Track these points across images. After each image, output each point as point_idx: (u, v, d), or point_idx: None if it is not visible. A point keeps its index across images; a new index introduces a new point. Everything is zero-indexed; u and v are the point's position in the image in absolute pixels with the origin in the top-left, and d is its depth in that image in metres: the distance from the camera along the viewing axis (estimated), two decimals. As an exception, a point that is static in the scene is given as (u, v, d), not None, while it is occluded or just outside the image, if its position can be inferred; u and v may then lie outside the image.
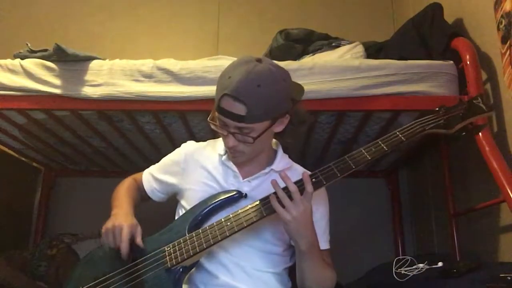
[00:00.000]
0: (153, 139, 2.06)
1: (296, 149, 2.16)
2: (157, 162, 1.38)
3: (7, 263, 1.97)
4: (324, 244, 1.21)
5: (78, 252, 2.18)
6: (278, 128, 1.18)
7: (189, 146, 1.33)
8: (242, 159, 1.20)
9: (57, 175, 2.64)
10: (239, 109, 1.07)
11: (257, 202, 1.09)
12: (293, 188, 1.03)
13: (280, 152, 1.29)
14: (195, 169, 1.27)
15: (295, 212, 1.02)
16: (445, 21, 1.76)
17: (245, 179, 1.22)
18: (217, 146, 1.29)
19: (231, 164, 1.23)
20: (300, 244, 1.07)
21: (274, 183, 1.05)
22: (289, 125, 1.20)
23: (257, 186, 1.21)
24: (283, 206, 1.03)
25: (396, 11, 2.77)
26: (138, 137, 2.02)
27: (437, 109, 1.19)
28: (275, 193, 1.05)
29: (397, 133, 1.13)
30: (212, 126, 1.17)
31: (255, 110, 1.07)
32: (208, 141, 1.35)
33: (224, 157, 1.24)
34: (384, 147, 1.11)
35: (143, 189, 1.37)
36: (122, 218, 1.16)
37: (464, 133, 1.18)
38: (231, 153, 1.19)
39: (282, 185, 1.05)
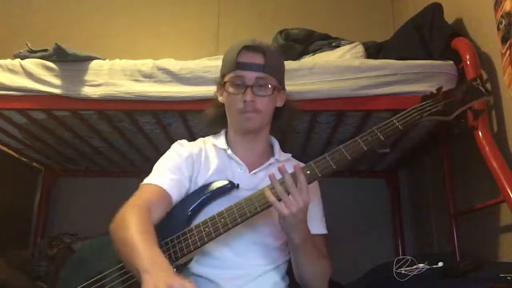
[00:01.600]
0: (153, 139, 2.06)
1: (292, 145, 2.16)
2: (156, 162, 1.31)
3: (7, 263, 1.97)
4: (323, 229, 1.23)
5: (78, 252, 2.18)
6: (279, 102, 1.25)
7: (189, 144, 1.29)
8: (255, 122, 1.19)
9: (57, 175, 2.64)
10: (258, 58, 1.17)
11: (251, 197, 1.07)
12: (289, 182, 1.02)
13: (277, 144, 1.31)
14: (205, 165, 1.23)
15: (294, 208, 1.01)
16: (445, 21, 1.76)
17: (251, 172, 1.22)
18: (218, 141, 1.28)
19: (236, 157, 1.23)
20: (295, 238, 1.07)
21: (272, 176, 1.03)
22: (284, 111, 1.27)
23: (263, 178, 1.20)
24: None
25: (396, 11, 2.77)
26: (138, 137, 2.02)
27: (435, 91, 1.15)
28: (270, 186, 1.03)
29: (394, 120, 1.10)
30: (228, 89, 1.19)
31: (271, 61, 1.18)
32: (199, 139, 1.32)
33: (229, 151, 1.24)
34: (381, 136, 1.08)
35: (164, 201, 1.13)
36: (163, 275, 0.85)
37: (463, 120, 1.15)
38: (247, 112, 1.17)
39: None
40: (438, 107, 1.12)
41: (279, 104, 1.26)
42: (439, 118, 1.13)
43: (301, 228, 1.06)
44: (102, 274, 1.09)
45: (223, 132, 1.31)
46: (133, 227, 0.97)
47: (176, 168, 1.19)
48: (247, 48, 1.18)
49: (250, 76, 1.16)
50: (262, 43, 1.22)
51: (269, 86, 1.18)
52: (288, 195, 1.02)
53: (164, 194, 1.12)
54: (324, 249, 1.22)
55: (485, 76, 1.61)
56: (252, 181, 1.20)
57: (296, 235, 1.06)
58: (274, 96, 1.22)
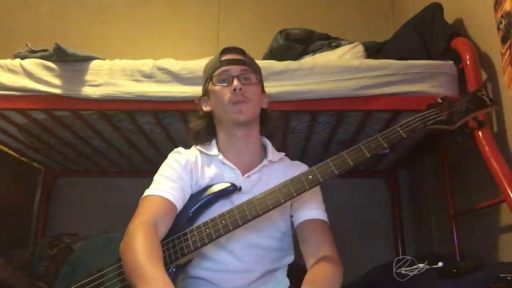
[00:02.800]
0: (153, 139, 2.06)
1: (293, 145, 2.16)
2: (157, 162, 1.32)
3: (7, 263, 1.97)
4: (326, 218, 1.22)
5: (78, 252, 2.18)
6: (264, 102, 1.29)
7: (186, 152, 1.28)
8: (247, 113, 1.20)
9: (57, 175, 2.63)
10: (240, 56, 1.25)
11: (252, 200, 1.08)
12: None
13: (270, 144, 1.31)
14: (201, 173, 1.23)
15: None
16: (445, 21, 1.76)
17: (244, 175, 1.22)
18: (209, 149, 1.27)
19: (228, 162, 1.23)
20: None
21: None
22: (268, 112, 1.30)
23: (258, 181, 1.21)
24: None
25: (396, 11, 2.77)
26: (138, 137, 2.02)
27: (440, 101, 1.15)
28: None
29: (398, 128, 1.10)
30: (216, 82, 1.23)
31: (251, 60, 1.27)
32: (193, 147, 1.31)
33: (220, 156, 1.24)
34: (384, 144, 1.08)
35: (168, 214, 1.12)
36: None
37: (467, 129, 1.16)
38: (237, 103, 1.19)
39: None
40: (442, 116, 1.12)
41: (264, 105, 1.29)
42: (442, 127, 1.13)
43: None
44: (102, 272, 1.10)
45: (213, 140, 1.29)
46: (138, 246, 0.98)
47: (176, 177, 1.18)
48: (228, 49, 1.26)
49: (235, 68, 1.22)
50: (239, 47, 1.29)
51: (254, 76, 1.25)
52: None
53: (168, 205, 1.12)
54: (331, 234, 1.21)
55: (485, 76, 1.61)
56: (247, 184, 1.20)
57: None
58: (260, 88, 1.27)
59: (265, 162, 1.24)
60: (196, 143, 1.30)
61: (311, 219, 1.19)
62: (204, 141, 1.29)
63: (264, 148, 1.31)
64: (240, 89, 1.18)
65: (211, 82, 1.24)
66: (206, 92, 1.28)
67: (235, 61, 1.24)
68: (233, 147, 1.25)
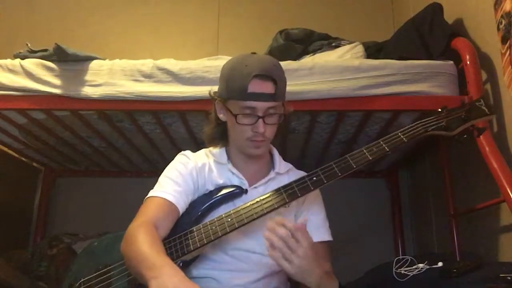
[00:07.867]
0: (153, 139, 2.06)
1: (292, 146, 2.16)
2: (157, 162, 1.33)
3: (7, 263, 1.97)
4: (325, 236, 1.22)
5: (78, 252, 2.18)
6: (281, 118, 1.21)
7: (193, 156, 1.28)
8: (262, 149, 1.20)
9: (57, 175, 2.63)
10: (270, 87, 1.12)
11: (258, 199, 1.11)
12: (285, 234, 0.96)
13: (277, 153, 1.31)
14: (208, 179, 1.24)
15: (296, 261, 0.96)
16: (445, 21, 1.76)
17: (251, 186, 1.23)
18: (218, 156, 1.27)
19: (237, 172, 1.24)
20: (309, 282, 1.01)
21: (267, 236, 0.97)
22: (282, 123, 1.24)
23: (263, 192, 1.20)
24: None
25: (396, 11, 2.77)
26: (138, 137, 2.02)
27: (439, 110, 1.20)
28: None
29: (399, 134, 1.15)
30: (239, 121, 1.14)
31: (281, 87, 1.14)
32: (202, 152, 1.32)
33: (229, 165, 1.25)
34: (386, 148, 1.12)
35: (169, 217, 1.14)
36: (171, 280, 0.85)
37: (465, 136, 1.19)
38: (256, 141, 1.17)
39: None
40: (442, 123, 1.17)
41: (280, 120, 1.23)
42: (442, 133, 1.18)
43: (313, 273, 1.00)
44: (109, 267, 1.13)
45: (223, 148, 1.29)
46: (141, 240, 0.99)
47: (181, 180, 1.19)
48: (259, 77, 1.11)
49: (261, 106, 1.12)
50: (271, 65, 1.14)
51: (278, 114, 1.16)
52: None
53: (170, 207, 1.13)
54: (327, 257, 1.22)
55: (485, 76, 1.61)
56: (253, 195, 1.20)
57: (310, 279, 1.00)
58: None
59: (271, 174, 1.26)
60: (210, 145, 1.31)
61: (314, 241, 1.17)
62: (218, 143, 1.29)
63: (272, 156, 1.31)
64: (264, 131, 1.14)
65: (232, 105, 1.15)
66: (224, 102, 1.19)
67: (263, 96, 1.11)
68: (242, 160, 1.26)
